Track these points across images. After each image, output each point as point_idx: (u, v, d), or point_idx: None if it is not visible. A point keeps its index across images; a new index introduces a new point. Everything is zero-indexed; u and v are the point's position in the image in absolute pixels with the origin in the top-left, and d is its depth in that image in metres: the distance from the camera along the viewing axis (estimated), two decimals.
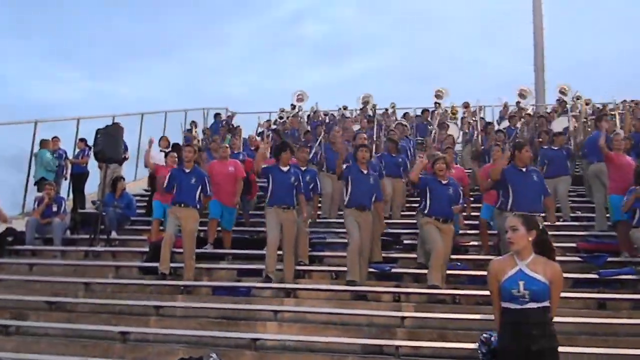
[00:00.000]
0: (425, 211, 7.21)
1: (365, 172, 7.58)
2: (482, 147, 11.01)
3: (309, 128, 14.54)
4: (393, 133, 10.82)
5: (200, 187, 8.00)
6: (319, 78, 48.60)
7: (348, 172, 7.66)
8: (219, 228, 8.84)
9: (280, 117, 17.14)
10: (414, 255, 7.86)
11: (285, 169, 7.67)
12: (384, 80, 43.02)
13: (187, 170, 8.07)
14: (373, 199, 7.53)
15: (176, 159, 9.16)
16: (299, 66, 53.37)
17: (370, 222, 7.45)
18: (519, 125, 12.98)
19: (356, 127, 12.96)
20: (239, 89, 48.69)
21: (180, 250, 7.88)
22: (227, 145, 9.50)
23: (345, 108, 17.21)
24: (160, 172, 9.20)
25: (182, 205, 7.88)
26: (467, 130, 14.15)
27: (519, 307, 3.51)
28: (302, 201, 7.77)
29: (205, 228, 8.91)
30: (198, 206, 8.02)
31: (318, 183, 8.78)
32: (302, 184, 7.76)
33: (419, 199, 8.03)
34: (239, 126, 14.76)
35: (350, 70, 51.61)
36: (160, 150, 10.98)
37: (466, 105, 16.38)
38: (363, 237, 7.31)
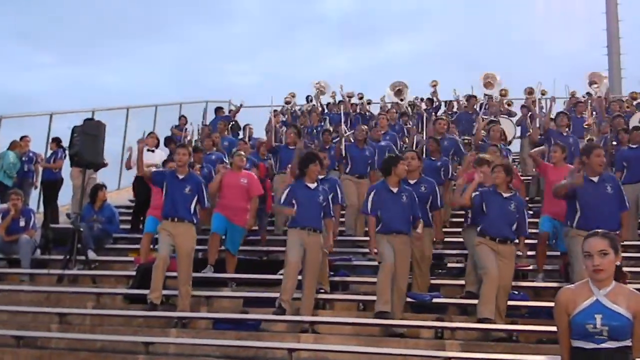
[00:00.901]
0: (479, 228, 7.17)
1: (395, 190, 7.49)
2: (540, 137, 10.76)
3: (329, 125, 14.50)
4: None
5: (196, 198, 7.99)
6: (344, 64, 48.65)
7: (374, 191, 7.59)
8: (222, 247, 8.85)
9: (287, 102, 17.06)
10: (462, 282, 7.84)
11: (312, 185, 7.71)
12: (423, 67, 42.85)
13: (181, 177, 8.01)
14: (412, 219, 7.46)
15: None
16: (319, 49, 53.49)
17: (407, 249, 7.40)
18: (586, 114, 12.77)
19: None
20: (246, 78, 48.93)
21: (174, 273, 7.87)
22: (243, 154, 9.43)
23: (369, 102, 17.19)
24: None
25: (176, 219, 7.87)
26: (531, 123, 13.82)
27: (594, 346, 3.47)
28: (329, 227, 7.81)
29: (204, 247, 8.93)
30: (195, 221, 8.02)
31: (339, 191, 8.72)
32: (330, 204, 7.79)
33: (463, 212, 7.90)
34: (248, 125, 14.76)
35: (382, 55, 51.63)
36: (147, 150, 10.89)
37: (530, 92, 16.18)
38: (399, 265, 7.25)
